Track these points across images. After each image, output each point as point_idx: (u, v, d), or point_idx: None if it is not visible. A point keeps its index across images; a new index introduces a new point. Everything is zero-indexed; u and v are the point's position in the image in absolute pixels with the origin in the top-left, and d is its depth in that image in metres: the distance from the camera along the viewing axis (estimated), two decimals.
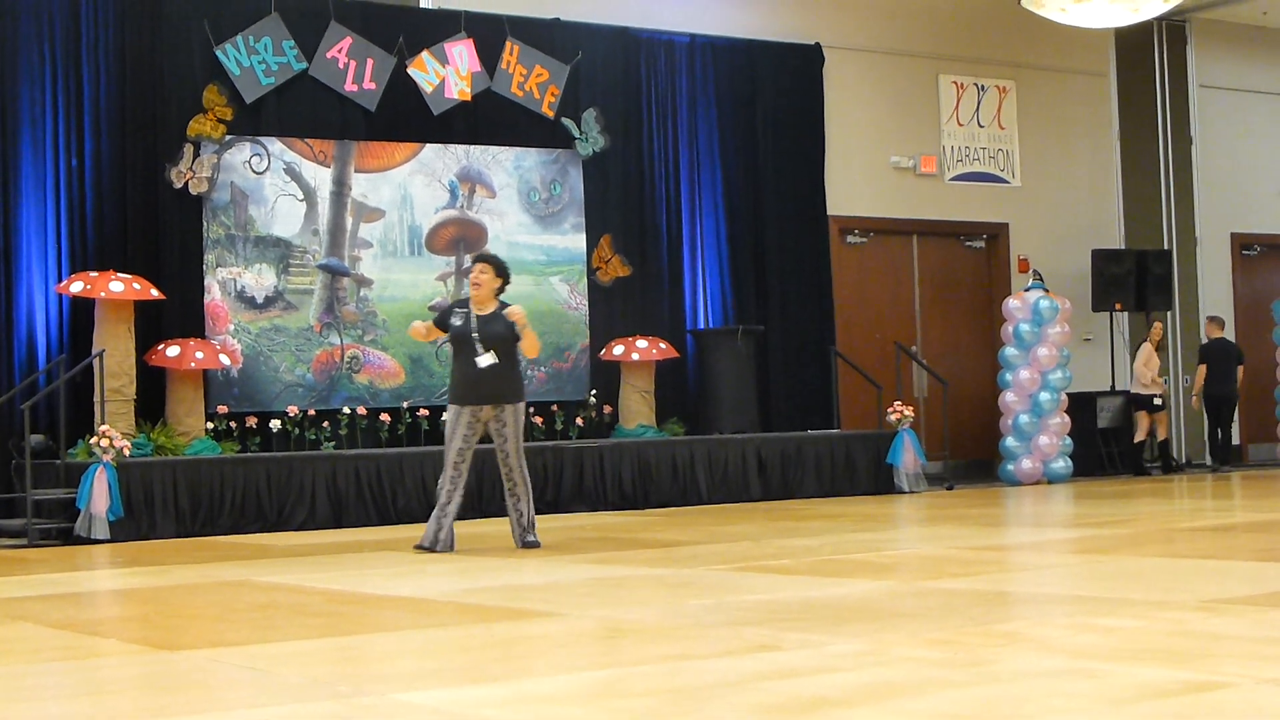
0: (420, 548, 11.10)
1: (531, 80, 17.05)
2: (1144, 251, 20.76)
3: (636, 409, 17.01)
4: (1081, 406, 19.44)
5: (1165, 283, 20.73)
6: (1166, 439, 20.49)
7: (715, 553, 10.65)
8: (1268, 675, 5.12)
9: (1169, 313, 21.33)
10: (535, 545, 11.16)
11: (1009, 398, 18.71)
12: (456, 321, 11.18)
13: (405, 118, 16.56)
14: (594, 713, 4.96)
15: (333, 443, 15.68)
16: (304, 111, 16.17)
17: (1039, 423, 18.58)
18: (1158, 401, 19.99)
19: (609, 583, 9.03)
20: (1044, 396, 18.58)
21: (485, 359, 11.01)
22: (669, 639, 6.56)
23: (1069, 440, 18.85)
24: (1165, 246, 21.55)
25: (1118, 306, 20.33)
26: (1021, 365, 18.63)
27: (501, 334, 11.10)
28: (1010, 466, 18.64)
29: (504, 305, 11.28)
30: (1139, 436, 20.12)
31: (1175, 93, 21.94)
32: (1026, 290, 18.95)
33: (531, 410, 16.60)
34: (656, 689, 5.32)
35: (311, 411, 15.82)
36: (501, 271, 11.34)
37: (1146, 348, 20.04)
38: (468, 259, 16.70)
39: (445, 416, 11.30)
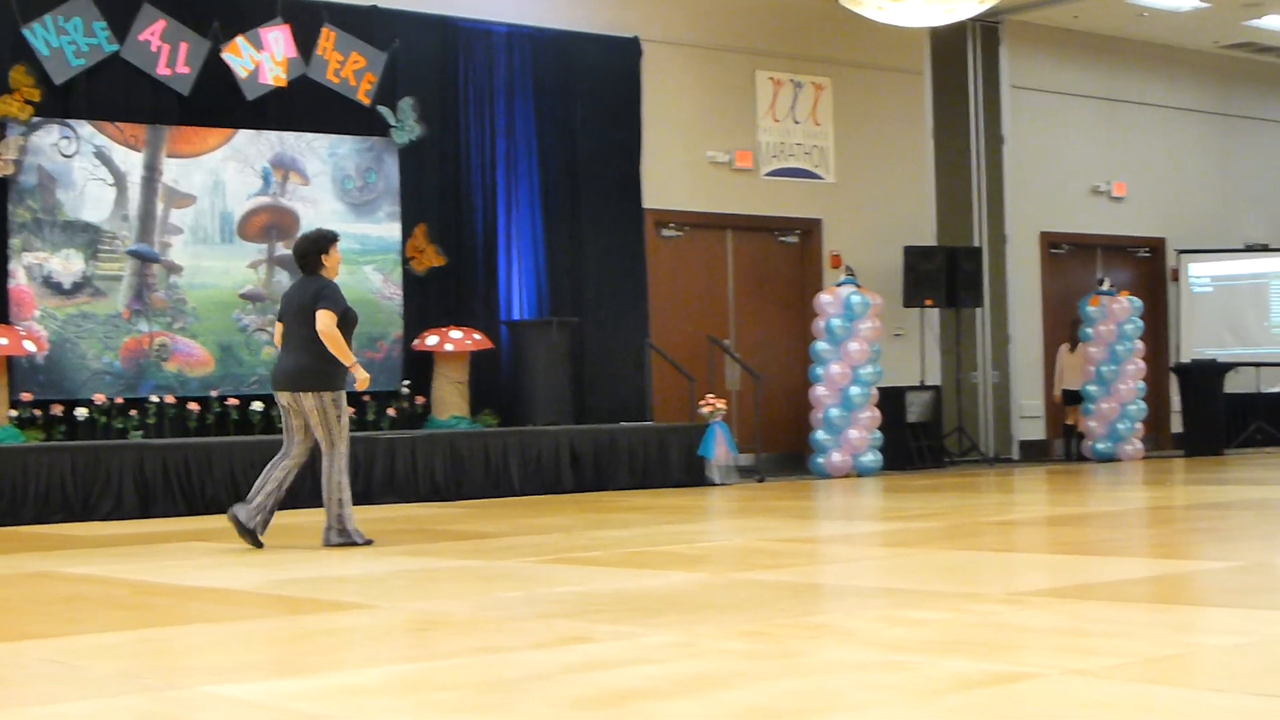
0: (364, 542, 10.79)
1: (348, 67, 16.92)
2: (955, 248, 21.03)
3: (450, 400, 16.94)
4: (892, 401, 19.65)
5: (975, 280, 21.01)
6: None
7: (527, 544, 10.63)
8: (1073, 666, 5.20)
9: (979, 309, 21.63)
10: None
11: (820, 391, 18.87)
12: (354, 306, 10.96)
13: (219, 103, 16.34)
14: (406, 705, 4.93)
15: (140, 431, 15.45)
16: (115, 95, 15.90)
17: (849, 416, 18.77)
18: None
19: (421, 575, 8.99)
20: (854, 391, 18.77)
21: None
22: (481, 631, 6.54)
23: (879, 434, 19.05)
24: (976, 244, 21.84)
25: (928, 303, 20.58)
26: (833, 359, 18.81)
27: None
28: (820, 459, 18.81)
29: None
30: (1076, 424, 21.53)
31: (988, 93, 22.24)
32: (839, 285, 19.13)
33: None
34: (468, 681, 5.30)
35: (119, 400, 15.57)
36: None
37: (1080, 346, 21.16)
38: (280, 246, 16.54)
39: (325, 402, 10.63)
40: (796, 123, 20.45)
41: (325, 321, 10.57)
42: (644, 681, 5.17)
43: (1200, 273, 23.92)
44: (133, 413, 15.55)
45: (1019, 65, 22.57)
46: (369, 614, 7.23)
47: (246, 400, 16.03)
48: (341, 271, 15.72)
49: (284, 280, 16.55)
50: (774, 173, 20.27)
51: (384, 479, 15.55)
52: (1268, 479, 16.47)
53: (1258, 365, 24.00)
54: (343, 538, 10.65)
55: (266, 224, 16.58)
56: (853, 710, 4.65)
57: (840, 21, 19.41)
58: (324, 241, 10.97)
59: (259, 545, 10.71)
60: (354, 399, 16.61)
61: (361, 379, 10.75)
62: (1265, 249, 24.66)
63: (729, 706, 4.72)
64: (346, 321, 10.75)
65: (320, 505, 10.85)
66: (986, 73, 22.26)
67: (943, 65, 22.01)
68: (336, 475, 10.68)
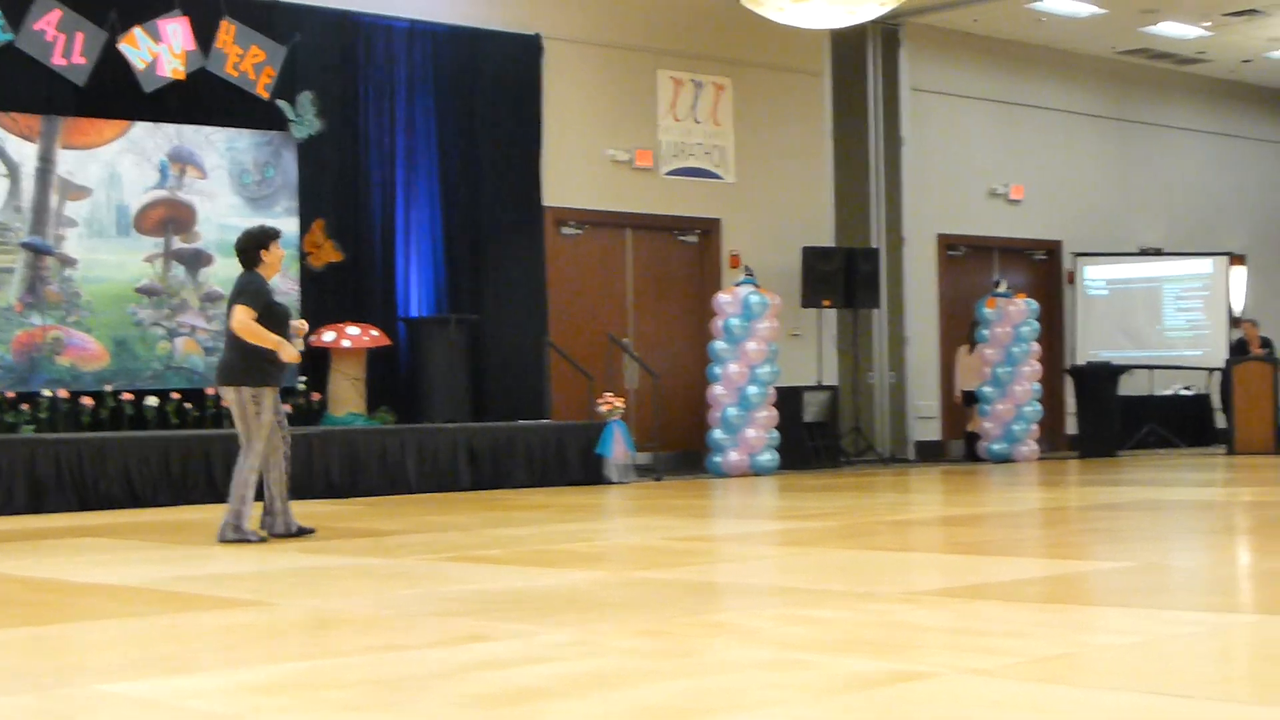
0: (262, 537, 10.74)
1: (247, 60, 16.80)
2: (853, 250, 21.13)
3: (346, 397, 16.86)
4: (789, 400, 19.70)
5: (873, 281, 21.12)
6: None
7: (425, 543, 10.59)
8: (969, 665, 5.23)
9: (876, 310, 21.73)
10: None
11: (718, 391, 18.91)
12: (280, 300, 10.95)
13: (115, 95, 16.19)
14: (302, 703, 4.90)
15: (32, 426, 15.28)
16: (9, 84, 15.72)
17: (747, 415, 18.82)
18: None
19: (317, 572, 8.93)
20: (752, 390, 18.82)
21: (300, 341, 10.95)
22: (378, 629, 6.51)
23: (776, 433, 19.11)
24: (874, 245, 21.94)
25: (826, 303, 20.66)
26: (731, 359, 18.85)
27: None
28: (718, 458, 18.85)
29: None
30: (973, 427, 21.72)
31: (887, 95, 22.35)
32: (737, 285, 19.17)
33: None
34: (365, 679, 5.27)
35: (10, 394, 15.40)
36: None
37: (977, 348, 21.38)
38: (177, 240, 16.42)
39: (244, 397, 10.65)
40: (697, 122, 20.48)
41: (238, 317, 10.58)
42: (542, 680, 5.16)
43: (1095, 276, 24.14)
44: (25, 407, 15.38)
45: (919, 68, 22.70)
46: (265, 611, 7.18)
47: (141, 395, 15.89)
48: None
49: (180, 274, 16.44)
50: (674, 172, 20.29)
51: None
52: (1160, 480, 16.63)
53: (1151, 368, 24.26)
54: (237, 534, 10.59)
55: (163, 217, 16.45)
56: (751, 709, 4.65)
57: (741, 22, 19.44)
58: (264, 237, 11.00)
59: (306, 531, 11.01)
60: None
61: (288, 355, 10.72)
62: (1159, 253, 24.94)
63: (627, 705, 4.71)
64: (272, 316, 10.73)
65: (222, 501, 10.82)
66: (886, 75, 22.36)
67: (843, 67, 22.10)
68: (246, 473, 10.67)
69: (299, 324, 11.05)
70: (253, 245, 10.96)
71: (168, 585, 8.29)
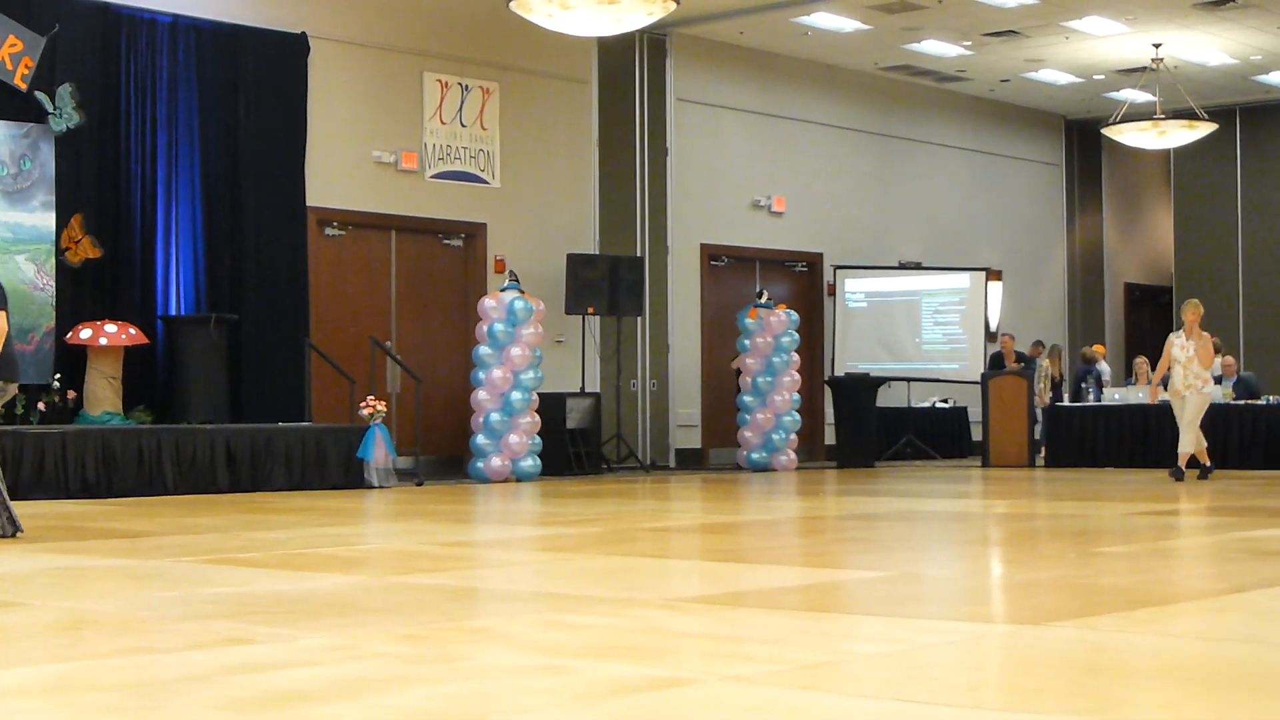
0: None
1: (4, 50, 16.45)
2: (618, 257, 21.21)
3: (103, 395, 16.57)
4: (552, 407, 19.74)
5: (637, 289, 21.22)
6: None
7: (182, 544, 10.45)
8: (729, 671, 5.27)
9: (639, 318, 21.84)
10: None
11: (481, 396, 18.88)
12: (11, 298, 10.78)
13: None
14: (56, 707, 4.80)
15: None
16: None
17: (510, 421, 18.81)
18: None
19: (71, 573, 8.77)
20: (515, 396, 18.82)
21: None
22: (134, 632, 6.41)
23: (539, 439, 19.12)
24: (639, 253, 22.05)
25: (590, 310, 20.72)
26: (495, 364, 18.83)
27: None
28: (480, 464, 18.82)
29: None
30: None
31: (653, 104, 22.48)
32: (502, 290, 19.16)
33: None
34: (121, 683, 5.18)
35: None
36: None
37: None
38: None
39: None
40: (463, 126, 20.43)
41: None
42: (302, 684, 5.12)
43: (856, 288, 24.51)
44: None
45: (685, 78, 22.87)
46: (17, 613, 7.04)
47: None
48: None
49: None
50: (440, 175, 20.22)
51: (32, 474, 15.12)
52: (916, 491, 16.91)
53: (909, 380, 24.68)
54: None
55: None
56: (512, 714, 4.66)
57: (510, 27, 19.43)
58: None
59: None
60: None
61: None
62: (918, 267, 25.37)
63: (388, 710, 4.69)
64: None
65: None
66: (653, 84, 22.50)
67: (610, 75, 22.19)
68: None
69: None
70: None
71: None
